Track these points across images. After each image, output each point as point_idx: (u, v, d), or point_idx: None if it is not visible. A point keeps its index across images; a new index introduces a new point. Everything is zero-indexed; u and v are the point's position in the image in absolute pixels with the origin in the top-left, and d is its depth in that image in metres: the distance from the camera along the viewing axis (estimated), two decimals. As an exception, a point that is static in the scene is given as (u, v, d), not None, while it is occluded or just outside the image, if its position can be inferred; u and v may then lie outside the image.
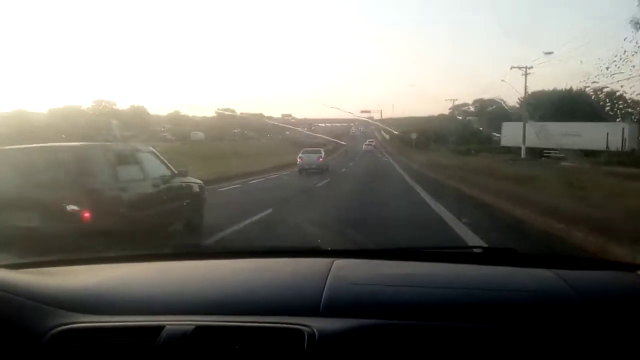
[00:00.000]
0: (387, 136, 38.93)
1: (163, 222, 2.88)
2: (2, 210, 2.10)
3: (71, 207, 2.03)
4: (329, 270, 1.08)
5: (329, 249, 1.38)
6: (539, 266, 1.13)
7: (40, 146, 2.67)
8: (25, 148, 2.64)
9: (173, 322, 0.90)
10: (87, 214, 2.07)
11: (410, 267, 1.20)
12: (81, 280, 1.17)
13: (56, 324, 0.93)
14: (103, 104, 40.49)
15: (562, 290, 0.99)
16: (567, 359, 0.82)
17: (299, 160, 15.55)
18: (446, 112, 39.04)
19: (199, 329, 0.88)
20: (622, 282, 1.08)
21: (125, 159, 2.99)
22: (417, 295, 1.01)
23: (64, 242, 1.91)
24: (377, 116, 61.97)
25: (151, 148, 3.62)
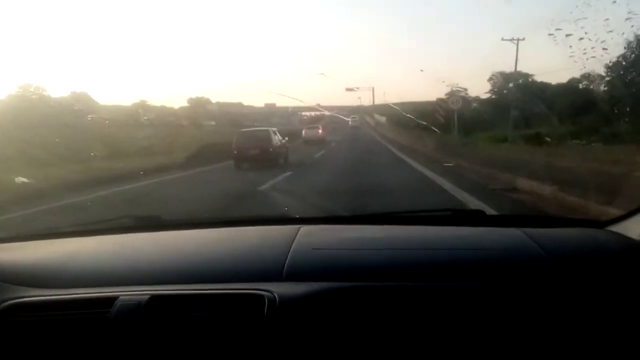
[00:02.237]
0: (384, 119, 36.16)
1: (281, 156, 12.48)
2: (248, 149, 11.49)
3: (269, 147, 11.94)
4: (295, 237, 1.24)
5: (297, 216, 1.57)
6: (507, 225, 1.32)
7: (257, 128, 13.88)
8: (252, 129, 13.76)
9: (127, 293, 1.02)
10: (271, 149, 11.98)
11: (376, 231, 1.37)
12: (32, 255, 1.33)
13: (4, 298, 1.06)
14: (31, 88, 40.40)
15: (530, 247, 1.15)
16: (537, 315, 0.96)
17: (303, 133, 23.14)
18: (442, 96, 39.15)
19: (154, 298, 0.99)
20: (590, 238, 1.26)
21: (274, 133, 12.98)
22: (381, 257, 1.16)
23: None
24: (365, 99, 61.78)
25: (275, 129, 13.53)
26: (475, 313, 0.96)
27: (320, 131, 23.20)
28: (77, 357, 0.99)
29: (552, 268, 1.08)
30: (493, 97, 32.07)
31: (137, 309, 0.98)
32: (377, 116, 45.16)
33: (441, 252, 1.19)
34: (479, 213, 1.51)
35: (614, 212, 1.45)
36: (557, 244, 1.20)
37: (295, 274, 1.07)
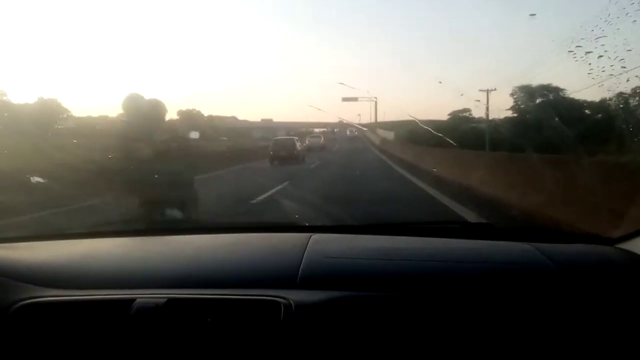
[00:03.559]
0: (391, 135, 34.62)
1: (300, 156, 20.88)
2: (279, 151, 20.10)
3: (293, 150, 20.53)
4: (306, 245, 1.41)
5: (307, 224, 1.75)
6: (517, 239, 1.47)
7: (285, 137, 23.58)
8: (283, 137, 23.76)
9: (144, 295, 1.16)
10: (295, 152, 20.54)
11: (386, 241, 1.55)
12: (48, 256, 1.49)
13: (21, 297, 1.20)
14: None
15: (541, 262, 1.30)
16: (546, 330, 1.06)
17: (307, 142, 29.47)
18: (444, 117, 39.31)
19: (171, 301, 1.13)
20: (601, 255, 1.41)
21: (297, 140, 22.37)
22: (394, 267, 1.31)
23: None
24: (365, 116, 61.79)
25: (297, 137, 23.27)
26: (487, 325, 1.09)
27: (322, 140, 33.16)
28: (93, 358, 1.12)
29: (562, 284, 1.21)
30: (514, 115, 31.45)
31: (155, 312, 1.11)
32: (381, 132, 42.90)
33: (452, 264, 1.34)
34: (488, 226, 1.69)
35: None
36: (567, 260, 1.34)
37: (309, 282, 1.21)
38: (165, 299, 1.14)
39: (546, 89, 30.06)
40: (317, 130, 36.60)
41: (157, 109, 3.41)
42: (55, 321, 1.18)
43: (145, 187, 2.98)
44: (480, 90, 31.71)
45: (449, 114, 40.83)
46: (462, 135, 27.61)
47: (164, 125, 3.48)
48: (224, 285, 1.22)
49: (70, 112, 48.29)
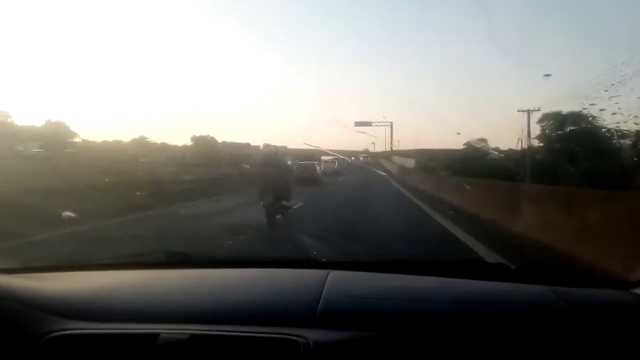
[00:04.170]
0: (411, 163, 34.09)
1: (320, 179, 25.55)
2: (302, 173, 23.52)
3: (314, 173, 25.10)
4: (324, 282, 1.52)
5: (324, 260, 1.88)
6: (533, 282, 1.57)
7: (307, 162, 26.43)
8: (305, 162, 26.29)
9: (167, 331, 1.27)
10: (315, 175, 25.02)
11: (404, 281, 1.65)
12: (74, 287, 1.63)
13: (50, 329, 1.32)
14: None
15: (556, 306, 1.39)
16: None
17: (322, 166, 31.56)
18: (459, 147, 39.36)
19: (193, 337, 1.24)
20: (616, 300, 1.49)
21: (317, 164, 28.59)
22: (410, 308, 1.41)
23: None
24: (379, 145, 61.34)
25: (317, 162, 28.66)
26: None
27: (336, 165, 36.36)
28: None
29: (576, 328, 1.30)
30: (541, 144, 30.23)
31: (177, 347, 1.23)
32: (399, 159, 42.03)
33: (468, 307, 1.44)
34: (504, 267, 1.79)
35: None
36: (582, 304, 1.43)
37: (327, 321, 1.31)
38: (188, 335, 1.25)
39: (578, 117, 29.33)
40: (326, 158, 37.80)
41: (277, 151, 9.99)
42: (83, 353, 1.30)
43: (271, 183, 8.92)
44: (520, 111, 30.73)
45: (464, 144, 41.07)
46: (487, 165, 26.85)
47: (278, 157, 9.74)
48: (245, 322, 1.33)
49: (78, 134, 49.99)
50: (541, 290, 1.50)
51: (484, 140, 37.38)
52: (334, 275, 1.63)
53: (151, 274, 1.83)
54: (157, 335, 1.26)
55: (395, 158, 45.13)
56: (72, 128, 50.02)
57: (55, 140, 41.09)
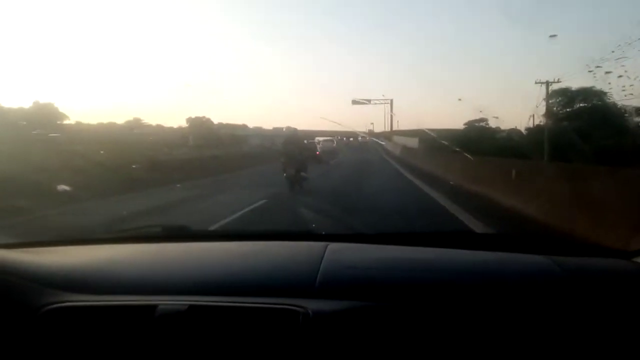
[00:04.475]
0: (415, 142, 31.66)
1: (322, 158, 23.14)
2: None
3: (315, 152, 21.93)
4: (324, 254, 1.56)
5: (324, 233, 1.92)
6: (533, 251, 1.60)
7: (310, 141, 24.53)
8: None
9: (166, 302, 1.30)
10: (318, 154, 22.93)
11: (402, 252, 1.69)
12: (72, 260, 1.67)
13: (48, 302, 1.35)
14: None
15: (556, 275, 1.43)
16: (560, 344, 1.20)
17: (319, 146, 31.70)
18: (459, 127, 39.15)
19: (192, 308, 1.27)
20: (616, 269, 1.53)
21: (319, 143, 33.54)
22: (409, 278, 1.45)
23: None
24: (379, 125, 60.97)
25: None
26: (497, 335, 1.22)
27: (334, 144, 37.76)
28: None
29: (576, 297, 1.33)
30: (549, 122, 29.08)
31: (176, 318, 1.25)
32: (401, 139, 39.47)
33: (466, 276, 1.48)
34: (505, 236, 1.85)
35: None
36: (584, 274, 1.47)
37: (326, 291, 1.36)
38: (187, 306, 1.28)
39: (588, 93, 28.59)
40: (320, 139, 38.82)
41: (297, 133, 13.55)
42: (80, 325, 1.33)
43: (293, 159, 11.80)
44: (537, 83, 28.83)
45: (465, 124, 40.95)
46: (492, 145, 26.30)
47: (300, 137, 13.38)
48: (244, 293, 1.36)
49: (68, 117, 49.84)
50: (540, 259, 1.55)
51: (484, 119, 36.83)
52: (333, 247, 1.68)
53: (150, 248, 1.87)
54: (155, 306, 1.30)
55: (396, 138, 43.77)
56: (62, 110, 49.87)
57: (44, 123, 40.83)
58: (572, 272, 1.46)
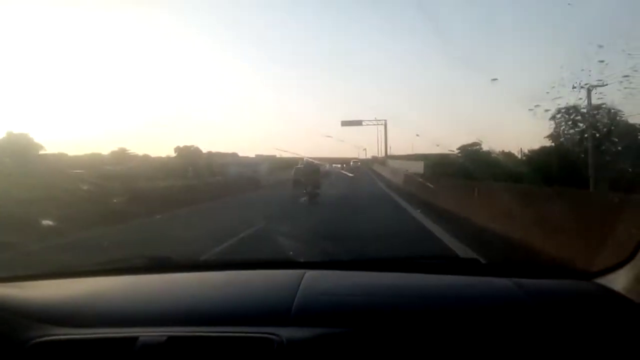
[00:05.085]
0: (420, 167, 30.52)
1: (319, 182, 22.18)
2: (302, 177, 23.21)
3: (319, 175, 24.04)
4: (300, 282, 1.68)
5: (302, 260, 2.07)
6: (500, 275, 1.76)
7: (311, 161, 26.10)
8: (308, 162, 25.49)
9: (146, 334, 1.40)
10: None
11: (378, 278, 1.83)
12: (54, 294, 1.79)
13: (32, 336, 1.44)
14: None
15: (519, 299, 1.56)
16: None
17: (327, 167, 37.56)
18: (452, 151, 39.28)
19: (171, 339, 1.37)
20: (577, 290, 1.66)
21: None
22: (383, 304, 1.56)
23: None
24: (372, 150, 60.91)
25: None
26: (469, 358, 1.32)
27: (335, 165, 41.42)
28: None
29: (537, 319, 1.44)
30: (552, 144, 27.50)
31: (156, 349, 1.35)
32: (402, 164, 36.54)
33: (438, 301, 1.62)
34: (474, 262, 1.99)
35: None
36: (544, 296, 1.60)
37: (302, 319, 1.46)
38: (166, 337, 1.38)
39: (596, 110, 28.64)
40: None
41: (312, 161, 23.44)
42: (65, 358, 1.44)
43: (310, 180, 19.53)
44: (574, 88, 26.20)
45: (458, 148, 41.52)
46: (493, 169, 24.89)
47: (314, 164, 22.57)
48: (223, 323, 1.46)
49: (44, 147, 49.80)
50: (506, 282, 1.69)
51: (477, 144, 36.74)
52: (310, 274, 1.81)
53: (131, 280, 2.02)
54: (136, 338, 1.39)
55: (392, 162, 42.68)
56: (37, 140, 49.76)
57: (17, 153, 40.73)
58: (533, 294, 1.60)
